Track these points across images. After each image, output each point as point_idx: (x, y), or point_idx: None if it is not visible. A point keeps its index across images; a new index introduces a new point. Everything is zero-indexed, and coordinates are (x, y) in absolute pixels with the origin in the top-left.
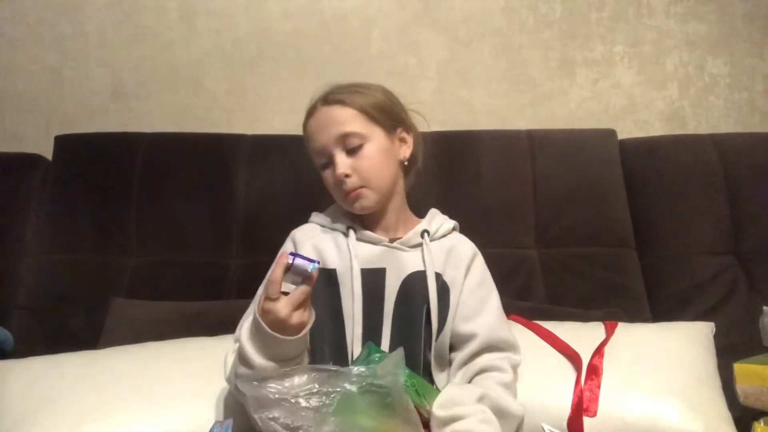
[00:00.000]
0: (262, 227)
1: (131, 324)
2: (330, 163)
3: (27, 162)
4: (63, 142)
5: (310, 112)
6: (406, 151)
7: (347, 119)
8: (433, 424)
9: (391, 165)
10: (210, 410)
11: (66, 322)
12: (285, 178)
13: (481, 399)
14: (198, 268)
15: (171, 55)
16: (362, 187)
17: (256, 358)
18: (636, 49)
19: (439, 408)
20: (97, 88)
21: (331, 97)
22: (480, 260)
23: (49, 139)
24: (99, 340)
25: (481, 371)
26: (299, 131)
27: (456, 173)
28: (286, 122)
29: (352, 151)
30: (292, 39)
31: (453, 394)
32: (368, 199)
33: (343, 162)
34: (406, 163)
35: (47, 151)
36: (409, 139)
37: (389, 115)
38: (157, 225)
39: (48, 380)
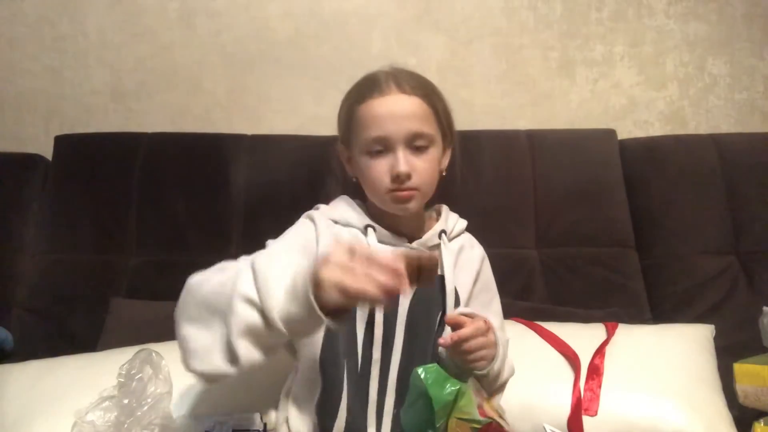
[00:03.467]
0: (261, 227)
1: (131, 324)
2: (385, 153)
3: (27, 162)
4: (63, 142)
5: (377, 92)
6: (445, 162)
7: (423, 117)
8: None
9: (438, 173)
10: (210, 410)
11: (66, 322)
12: (285, 178)
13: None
14: (198, 268)
15: (171, 55)
16: (416, 189)
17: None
18: (636, 49)
19: None
20: (97, 88)
21: (407, 86)
22: (487, 264)
23: (49, 139)
24: (99, 340)
25: None
26: (299, 131)
27: (456, 173)
28: (286, 122)
29: (416, 151)
30: (292, 39)
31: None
32: (416, 203)
33: (408, 160)
34: (444, 174)
35: (47, 151)
36: (449, 150)
37: (449, 123)
38: (157, 225)
39: (47, 382)
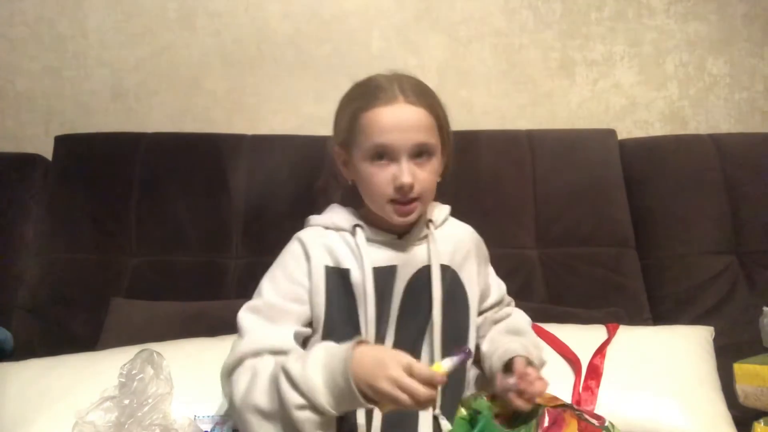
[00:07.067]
0: (262, 227)
1: (131, 324)
2: (388, 162)
3: (27, 162)
4: (63, 142)
5: (383, 100)
6: (441, 168)
7: (428, 128)
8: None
9: (437, 180)
10: (210, 410)
11: (66, 322)
12: (285, 178)
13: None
14: (198, 268)
15: (171, 55)
16: (418, 200)
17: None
18: (636, 49)
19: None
20: (97, 88)
21: (413, 96)
22: (477, 237)
23: (49, 139)
24: (99, 340)
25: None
26: (299, 131)
27: (456, 173)
28: (286, 122)
29: (419, 161)
30: (292, 39)
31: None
32: (416, 213)
33: (411, 170)
34: (439, 179)
35: (47, 151)
36: (446, 156)
37: (448, 131)
38: (157, 225)
39: (47, 381)
